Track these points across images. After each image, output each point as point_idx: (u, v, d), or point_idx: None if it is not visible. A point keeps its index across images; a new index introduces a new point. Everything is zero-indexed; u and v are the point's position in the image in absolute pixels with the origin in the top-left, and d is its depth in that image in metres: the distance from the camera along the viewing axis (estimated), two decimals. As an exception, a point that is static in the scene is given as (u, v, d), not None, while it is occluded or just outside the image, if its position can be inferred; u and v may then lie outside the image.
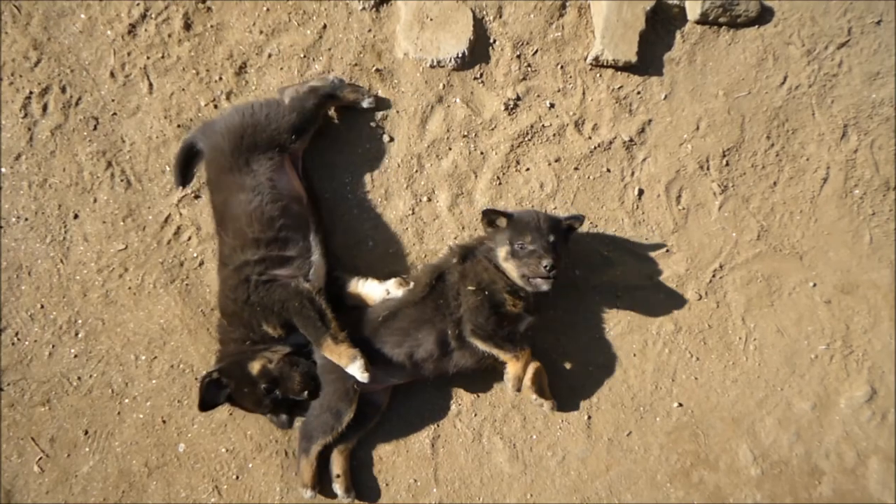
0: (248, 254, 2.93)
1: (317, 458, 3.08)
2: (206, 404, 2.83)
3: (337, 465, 3.13)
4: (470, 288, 2.96)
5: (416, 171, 3.42)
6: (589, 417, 3.33)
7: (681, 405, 3.36)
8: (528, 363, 3.03)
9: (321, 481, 3.13)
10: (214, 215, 3.15)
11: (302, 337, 2.99)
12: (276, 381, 2.89)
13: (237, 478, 3.22)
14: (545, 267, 2.82)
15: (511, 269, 2.97)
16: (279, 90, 3.32)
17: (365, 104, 3.37)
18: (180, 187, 3.33)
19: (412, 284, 3.07)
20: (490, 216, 3.04)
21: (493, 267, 3.01)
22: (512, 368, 3.00)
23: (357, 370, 2.80)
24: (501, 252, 2.98)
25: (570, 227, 3.11)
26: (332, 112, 3.42)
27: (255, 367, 2.89)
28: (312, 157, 3.35)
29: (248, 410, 3.06)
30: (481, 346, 2.96)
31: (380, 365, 2.94)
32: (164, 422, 3.24)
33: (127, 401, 3.25)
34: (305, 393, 2.92)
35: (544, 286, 2.89)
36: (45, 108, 3.37)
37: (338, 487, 3.13)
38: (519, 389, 3.02)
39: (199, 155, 3.27)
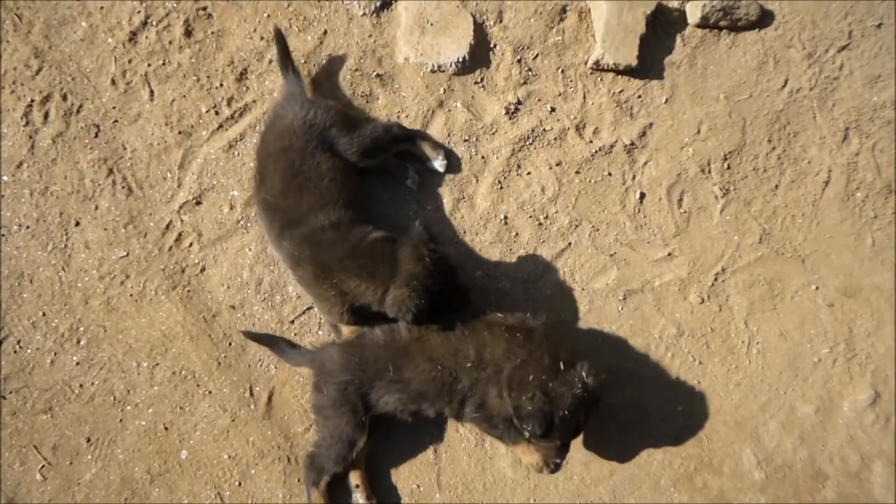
0: (336, 212, 2.94)
1: (327, 489, 3.07)
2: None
3: (353, 476, 3.12)
4: (476, 415, 2.91)
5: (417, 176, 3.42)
6: (592, 422, 3.33)
7: (683, 409, 3.35)
8: (529, 445, 3.07)
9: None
10: (283, 180, 2.98)
11: None
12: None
13: (240, 484, 3.21)
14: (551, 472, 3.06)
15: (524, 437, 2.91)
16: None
17: (437, 165, 3.36)
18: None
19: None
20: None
21: (509, 412, 2.84)
22: (523, 457, 3.19)
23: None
24: (520, 441, 2.94)
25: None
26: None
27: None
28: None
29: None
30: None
31: (385, 407, 2.96)
32: (166, 429, 3.24)
33: (129, 408, 3.25)
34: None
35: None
36: (46, 116, 3.37)
37: (359, 496, 3.12)
38: (541, 471, 3.18)
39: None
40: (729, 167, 3.52)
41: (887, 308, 3.45)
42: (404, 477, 3.25)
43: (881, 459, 3.34)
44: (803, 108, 3.58)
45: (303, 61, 3.45)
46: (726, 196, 3.50)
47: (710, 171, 3.51)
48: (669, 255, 3.45)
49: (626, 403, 3.33)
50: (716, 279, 3.45)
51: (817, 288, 3.46)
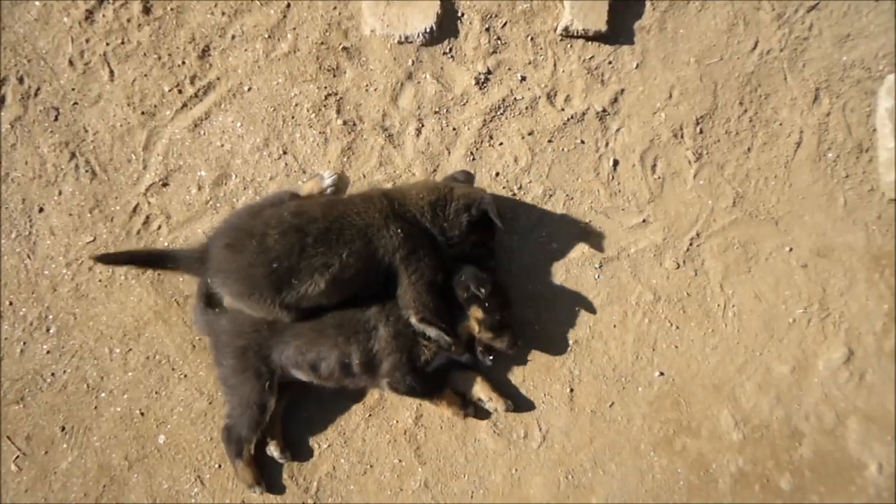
0: None
1: (251, 457, 3.04)
2: None
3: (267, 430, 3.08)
4: (387, 339, 2.93)
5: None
6: (571, 390, 3.33)
7: (662, 374, 3.36)
8: (452, 402, 3.15)
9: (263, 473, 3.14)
10: None
11: None
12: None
13: (220, 466, 3.19)
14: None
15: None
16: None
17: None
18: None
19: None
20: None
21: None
22: (439, 409, 3.20)
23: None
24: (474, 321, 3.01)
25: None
26: None
27: None
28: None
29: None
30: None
31: (287, 362, 2.93)
32: (142, 414, 3.20)
33: (103, 395, 3.20)
34: None
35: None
36: (3, 100, 3.28)
37: (272, 449, 3.11)
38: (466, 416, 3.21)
39: None
40: (701, 131, 3.51)
41: (860, 267, 3.48)
42: (385, 453, 3.24)
43: (856, 416, 3.38)
44: (774, 69, 3.56)
45: (266, 36, 3.37)
46: (699, 160, 3.49)
47: (682, 136, 3.50)
48: (644, 221, 3.44)
49: (605, 371, 3.34)
50: (691, 244, 3.45)
51: (791, 249, 3.48)
